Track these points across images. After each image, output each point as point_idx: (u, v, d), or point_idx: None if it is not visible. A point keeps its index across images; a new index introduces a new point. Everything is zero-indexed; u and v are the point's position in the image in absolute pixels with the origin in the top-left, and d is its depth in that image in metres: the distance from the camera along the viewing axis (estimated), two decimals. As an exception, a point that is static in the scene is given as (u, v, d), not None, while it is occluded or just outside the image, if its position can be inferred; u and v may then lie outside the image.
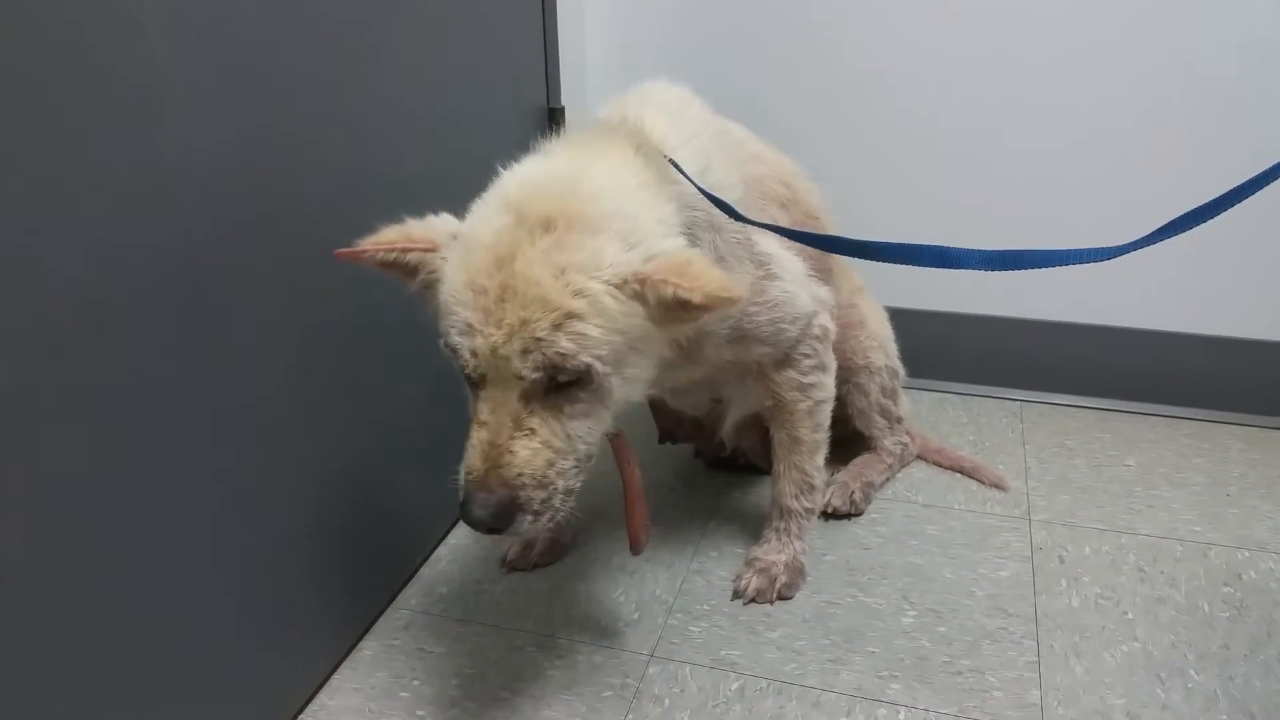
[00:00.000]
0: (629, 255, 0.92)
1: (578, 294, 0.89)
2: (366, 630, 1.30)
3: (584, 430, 0.97)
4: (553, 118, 1.69)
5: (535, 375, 0.90)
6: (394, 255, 0.98)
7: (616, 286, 0.91)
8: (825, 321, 1.29)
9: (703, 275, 0.90)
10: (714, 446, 1.60)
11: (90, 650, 0.85)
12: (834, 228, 1.39)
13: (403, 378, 1.30)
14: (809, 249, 1.28)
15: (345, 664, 1.24)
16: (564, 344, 0.89)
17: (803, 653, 1.25)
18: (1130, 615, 1.31)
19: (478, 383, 0.95)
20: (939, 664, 1.23)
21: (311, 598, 1.17)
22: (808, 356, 1.27)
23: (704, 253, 1.10)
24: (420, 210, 1.01)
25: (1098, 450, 1.71)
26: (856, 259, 1.05)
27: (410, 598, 1.36)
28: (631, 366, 0.97)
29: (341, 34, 1.10)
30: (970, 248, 0.96)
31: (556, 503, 0.96)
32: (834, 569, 1.41)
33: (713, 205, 1.09)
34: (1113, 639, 1.27)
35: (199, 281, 0.93)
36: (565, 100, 1.72)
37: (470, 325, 0.91)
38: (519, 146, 1.08)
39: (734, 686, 1.20)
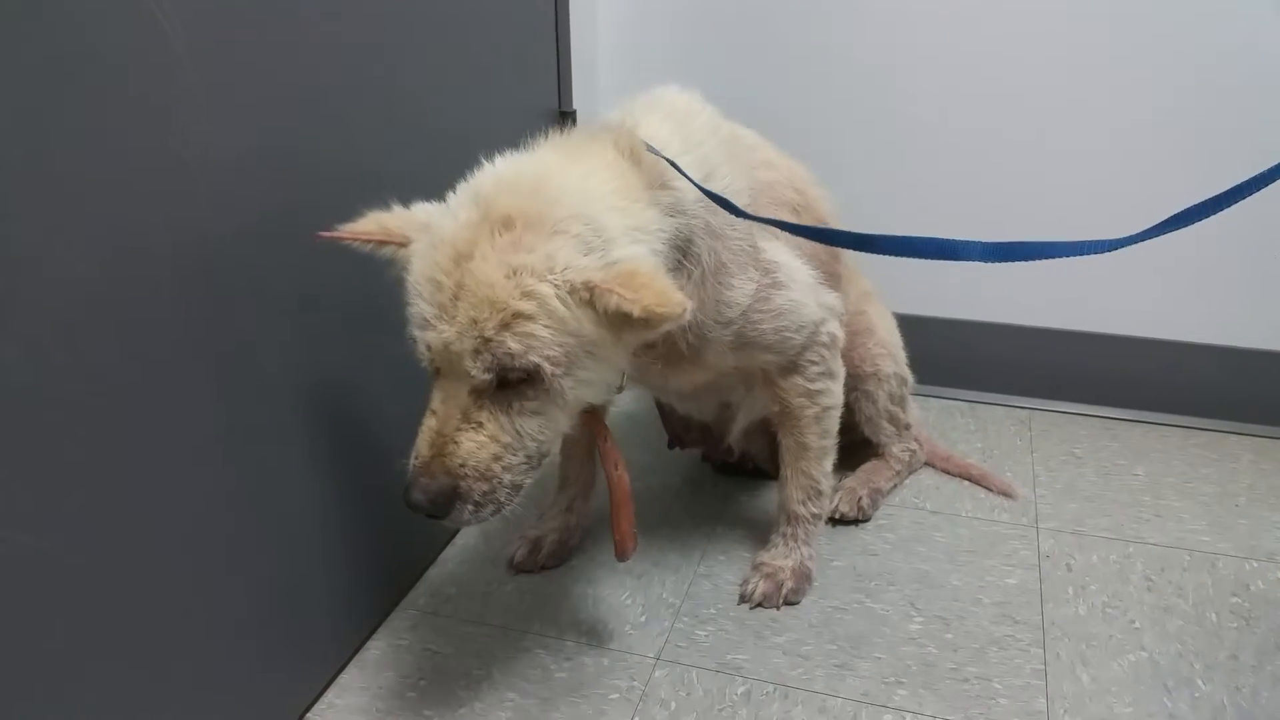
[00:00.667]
0: (584, 260, 0.93)
1: (527, 295, 0.90)
2: (374, 630, 1.30)
3: (534, 428, 0.98)
4: (564, 120, 1.69)
5: (485, 377, 0.92)
6: (370, 246, 1.01)
7: (567, 291, 0.91)
8: (833, 329, 1.29)
9: (647, 287, 0.90)
10: (722, 451, 1.60)
11: (97, 647, 0.85)
12: (844, 234, 1.39)
13: (412, 377, 1.30)
14: (819, 255, 1.28)
15: (353, 663, 1.25)
16: (511, 344, 0.90)
17: (809, 658, 1.25)
18: (1138, 624, 1.31)
19: (433, 373, 0.97)
20: (945, 671, 1.23)
21: (319, 598, 1.17)
22: (815, 364, 1.27)
23: (703, 260, 1.10)
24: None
25: (1106, 459, 1.71)
26: (861, 257, 1.05)
27: (418, 598, 1.37)
28: (585, 370, 0.97)
29: (357, 37, 1.11)
30: (970, 240, 0.97)
31: (501, 496, 0.98)
32: (841, 575, 1.41)
33: (713, 213, 1.09)
34: (1120, 648, 1.27)
35: (216, 280, 0.93)
36: (577, 103, 1.73)
37: (426, 319, 0.93)
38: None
39: (740, 690, 1.20)
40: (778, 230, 1.20)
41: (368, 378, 1.21)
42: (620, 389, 1.14)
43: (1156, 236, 0.96)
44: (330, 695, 1.20)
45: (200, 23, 0.87)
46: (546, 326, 0.91)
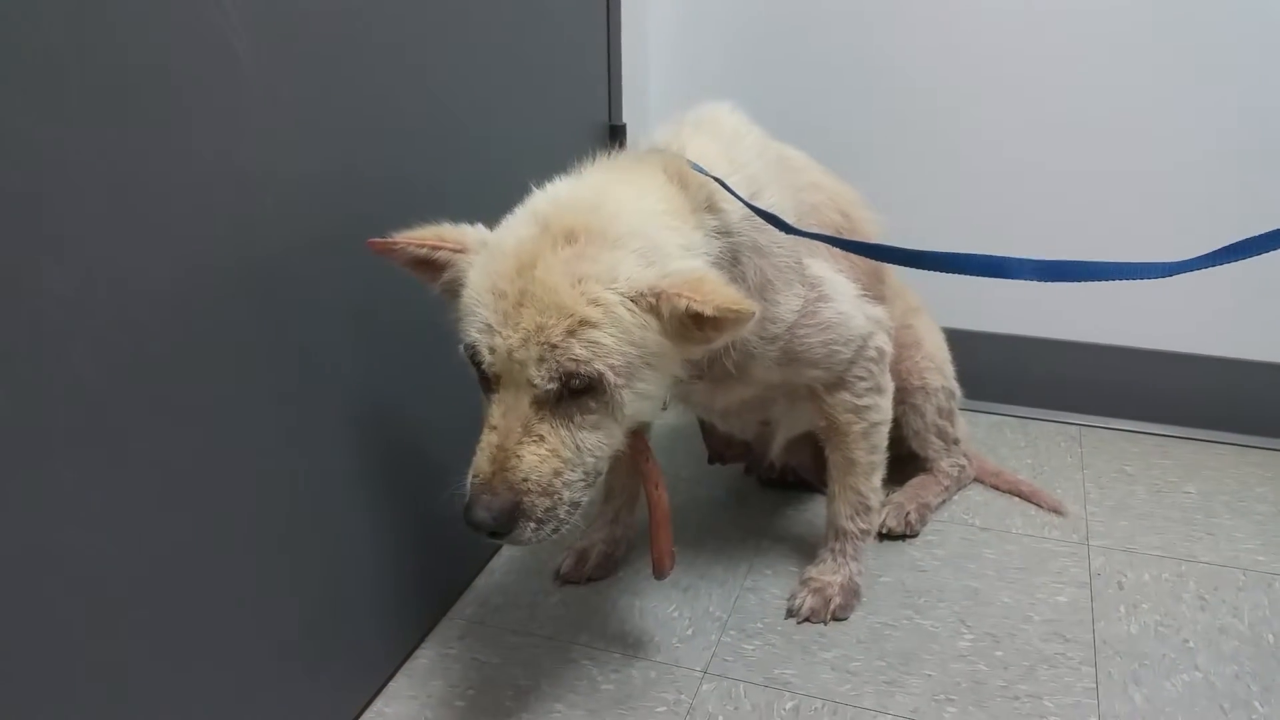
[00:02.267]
0: (646, 271, 0.94)
1: (593, 302, 0.91)
2: (423, 639, 1.31)
3: (593, 442, 0.97)
4: (614, 135, 1.70)
5: (549, 386, 0.92)
6: (425, 251, 1.01)
7: (631, 299, 0.92)
8: (881, 343, 1.28)
9: (716, 291, 0.91)
10: (764, 467, 1.60)
11: (150, 654, 0.87)
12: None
13: (461, 389, 1.31)
14: (861, 278, 1.28)
15: (401, 672, 1.26)
16: (577, 350, 0.91)
17: (858, 674, 1.25)
18: (1191, 644, 1.29)
19: (492, 385, 0.96)
20: (995, 688, 1.22)
21: (369, 606, 1.18)
22: (863, 379, 1.27)
23: (749, 277, 1.11)
24: (487, 224, 1.03)
25: (1158, 476, 1.69)
26: (910, 272, 1.05)
27: (465, 607, 1.37)
28: (644, 381, 0.97)
29: (414, 56, 1.12)
30: (1022, 258, 0.96)
31: (561, 514, 0.97)
32: (889, 590, 1.40)
33: (760, 231, 1.10)
34: (1173, 668, 1.25)
35: (277, 292, 0.95)
36: (626, 118, 1.74)
37: (489, 325, 0.94)
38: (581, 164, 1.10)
39: (789, 706, 1.20)
40: (822, 249, 1.21)
41: (419, 392, 1.22)
42: (665, 407, 1.14)
43: (1214, 265, 0.94)
44: (379, 703, 1.21)
45: (268, 45, 0.89)
46: (611, 334, 0.92)
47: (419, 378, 1.21)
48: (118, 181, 0.76)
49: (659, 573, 1.19)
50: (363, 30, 1.03)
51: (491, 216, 1.03)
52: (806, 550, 1.48)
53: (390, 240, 1.01)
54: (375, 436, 1.15)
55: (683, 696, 1.21)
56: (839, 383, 1.27)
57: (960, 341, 1.61)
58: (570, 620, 1.35)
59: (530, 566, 1.46)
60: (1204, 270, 0.99)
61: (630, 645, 1.30)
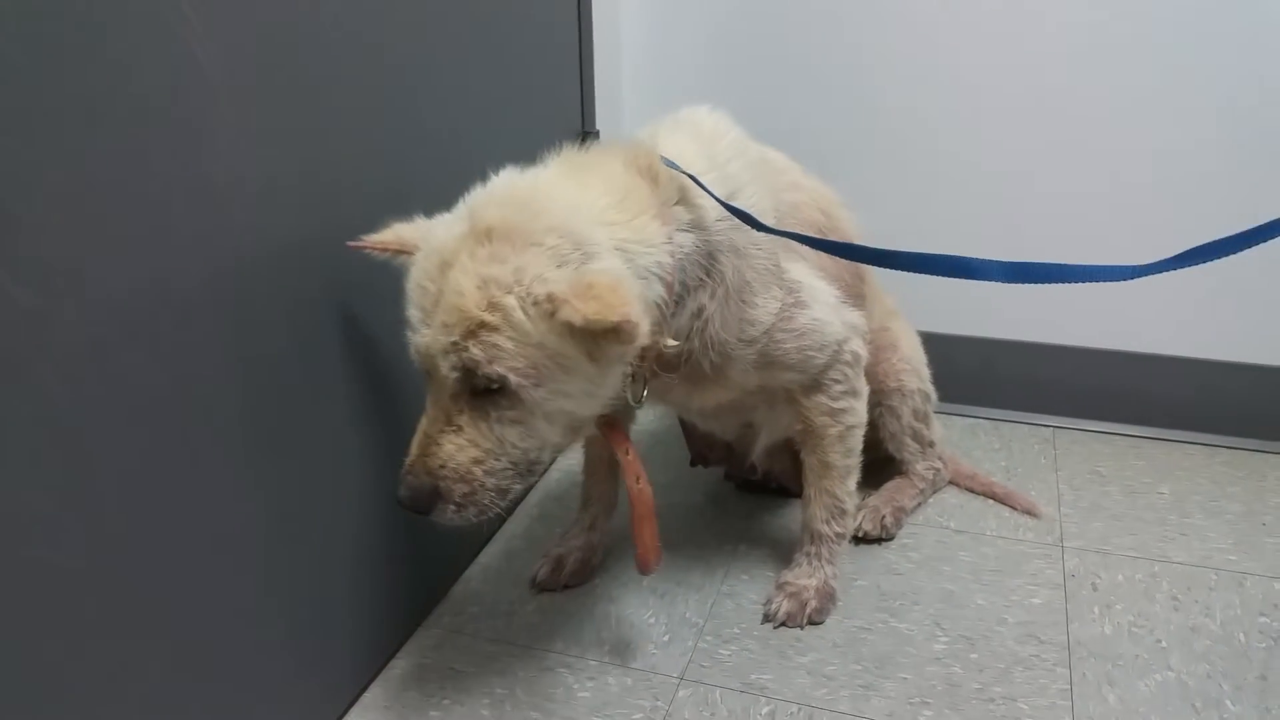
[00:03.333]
0: (556, 273, 0.94)
1: (492, 306, 0.92)
2: (398, 648, 1.31)
3: (515, 436, 1.00)
4: (587, 140, 1.70)
5: (454, 375, 0.95)
6: (387, 255, 1.05)
7: (531, 303, 0.93)
8: (856, 347, 1.29)
9: (597, 298, 0.91)
10: (746, 470, 1.60)
11: (122, 668, 0.86)
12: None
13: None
14: (843, 276, 1.29)
15: (377, 682, 1.25)
16: (475, 352, 0.93)
17: (834, 678, 1.25)
18: (1164, 644, 1.30)
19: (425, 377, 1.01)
20: (971, 691, 1.22)
21: (344, 616, 1.18)
22: (838, 382, 1.28)
23: (727, 277, 1.11)
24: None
25: (1131, 477, 1.70)
26: (885, 274, 1.05)
27: (442, 617, 1.37)
28: (559, 383, 0.98)
29: (382, 59, 1.12)
30: (990, 259, 0.97)
31: (484, 499, 1.00)
32: (865, 594, 1.41)
33: (738, 231, 1.11)
34: (1146, 668, 1.26)
35: (247, 301, 0.94)
36: (600, 124, 1.74)
37: (413, 323, 0.98)
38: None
39: (765, 710, 1.20)
40: (801, 251, 1.21)
41: (395, 400, 1.21)
42: (638, 403, 1.14)
43: (1181, 267, 0.96)
44: (354, 714, 1.20)
45: (234, 53, 0.88)
46: (510, 338, 0.93)
47: (394, 385, 1.21)
48: (79, 192, 0.75)
49: (643, 568, 1.19)
50: (332, 37, 1.03)
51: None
52: (783, 555, 1.48)
53: (361, 243, 1.04)
54: (350, 445, 1.14)
55: (659, 703, 1.21)
56: (815, 386, 1.27)
57: (934, 344, 1.62)
58: (546, 628, 1.35)
59: (507, 575, 1.46)
60: (1174, 273, 1.00)
61: (607, 652, 1.30)
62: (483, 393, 0.96)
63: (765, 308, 1.16)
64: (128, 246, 0.80)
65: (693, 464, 1.67)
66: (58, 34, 0.72)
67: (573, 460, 1.74)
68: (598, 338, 0.93)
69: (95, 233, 0.77)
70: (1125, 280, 0.95)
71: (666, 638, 1.32)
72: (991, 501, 1.63)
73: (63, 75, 0.73)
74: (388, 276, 1.13)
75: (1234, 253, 0.94)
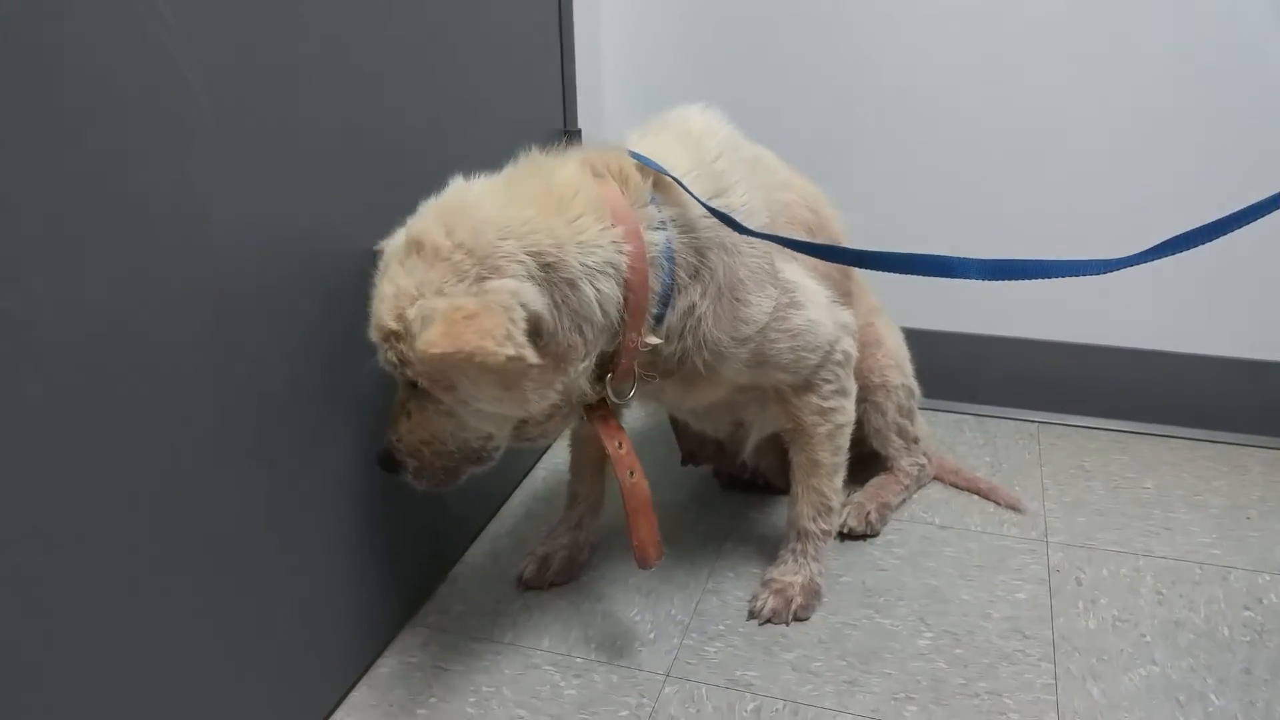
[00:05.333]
0: (454, 288, 0.97)
1: (399, 317, 0.98)
2: (384, 648, 1.30)
3: (450, 428, 1.07)
4: (569, 140, 1.70)
5: (390, 370, 1.03)
6: None
7: (421, 318, 0.96)
8: (847, 347, 1.29)
9: (447, 322, 0.94)
10: (736, 468, 1.60)
11: (107, 669, 0.86)
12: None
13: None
14: (832, 274, 1.29)
15: (363, 681, 1.25)
16: (390, 356, 1.01)
17: (819, 674, 1.25)
18: (1148, 638, 1.30)
19: None
20: (955, 686, 1.23)
21: (330, 616, 1.17)
22: (829, 382, 1.28)
23: (718, 275, 1.11)
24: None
25: (1115, 472, 1.71)
26: (867, 271, 1.06)
27: (428, 615, 1.37)
28: (470, 392, 1.02)
29: (364, 65, 1.12)
30: (969, 257, 0.98)
31: (436, 476, 1.11)
32: (850, 590, 1.41)
33: (728, 230, 1.11)
34: (1131, 662, 1.26)
35: (230, 308, 0.95)
36: (582, 122, 1.74)
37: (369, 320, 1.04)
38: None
39: (750, 707, 1.20)
40: (794, 251, 1.22)
41: (380, 401, 1.21)
42: (622, 401, 1.16)
43: (1153, 260, 0.97)
44: (341, 713, 1.20)
45: (214, 58, 0.88)
46: (412, 349, 0.97)
47: (380, 389, 1.21)
48: (62, 198, 0.75)
49: (641, 562, 1.20)
50: (313, 39, 1.02)
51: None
52: (768, 552, 1.48)
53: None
54: (335, 446, 1.14)
55: (645, 700, 1.21)
56: (806, 385, 1.27)
57: (918, 340, 1.62)
58: (532, 626, 1.35)
59: (492, 573, 1.46)
60: (1156, 268, 1.02)
61: (593, 650, 1.30)
62: (420, 392, 1.04)
63: (760, 306, 1.16)
64: (111, 252, 0.80)
65: (684, 463, 1.67)
66: (37, 42, 0.71)
67: (559, 459, 1.74)
68: (460, 363, 0.96)
69: (78, 239, 0.77)
70: (1102, 274, 0.97)
71: (652, 635, 1.33)
72: (976, 497, 1.64)
73: (41, 83, 0.72)
74: (370, 277, 1.13)
75: (1205, 242, 0.96)
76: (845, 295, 1.33)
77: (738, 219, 1.10)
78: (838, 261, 1.10)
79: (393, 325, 0.99)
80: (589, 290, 1.03)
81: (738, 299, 1.14)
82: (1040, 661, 1.26)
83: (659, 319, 1.12)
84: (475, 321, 0.93)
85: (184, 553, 0.93)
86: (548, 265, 1.01)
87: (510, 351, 0.93)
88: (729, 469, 1.64)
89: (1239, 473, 1.70)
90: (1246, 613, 1.35)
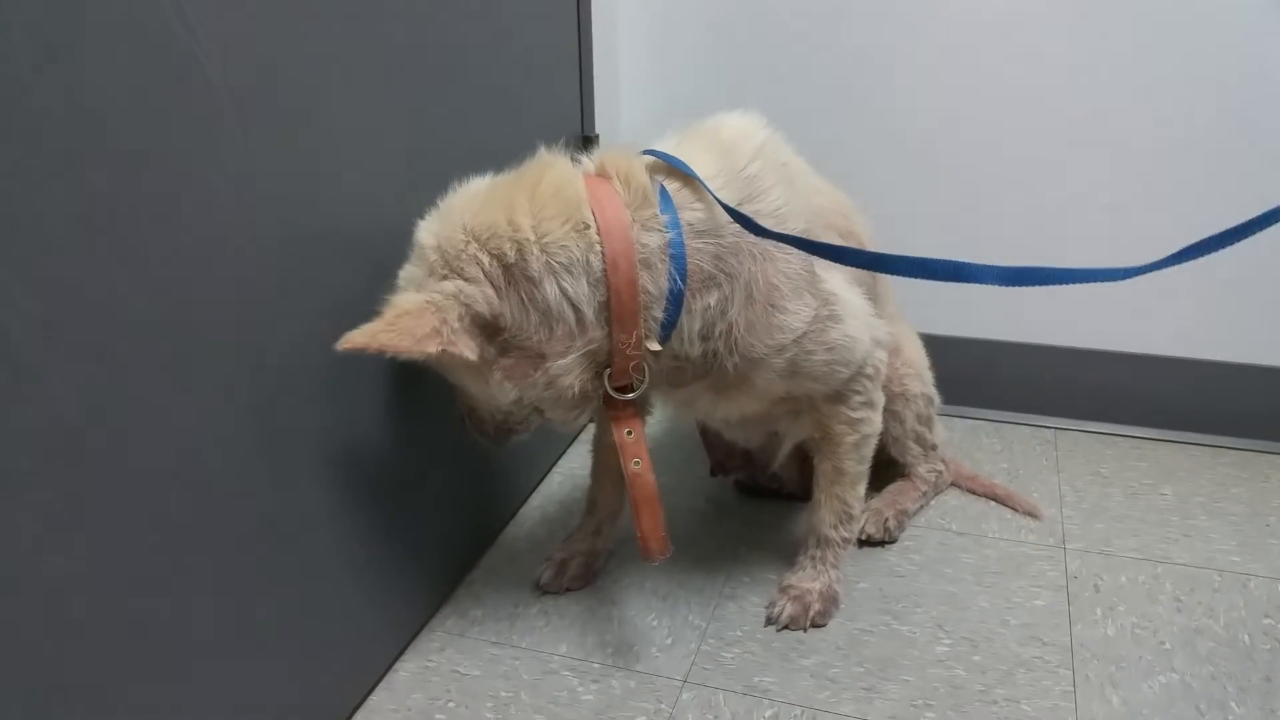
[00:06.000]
0: (422, 284, 1.05)
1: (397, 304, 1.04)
2: (402, 652, 1.31)
3: (472, 402, 1.19)
4: (587, 145, 1.71)
5: None
6: None
7: None
8: (879, 360, 1.29)
9: (383, 320, 1.01)
10: (767, 479, 1.60)
11: (126, 671, 0.86)
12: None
13: (439, 403, 1.31)
14: (863, 276, 1.29)
15: (381, 685, 1.25)
16: None
17: (837, 680, 1.25)
18: (1168, 646, 1.30)
19: None
20: (974, 693, 1.22)
21: (348, 620, 1.18)
22: (858, 394, 1.28)
23: (740, 279, 1.11)
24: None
25: (1133, 479, 1.70)
26: (886, 276, 1.06)
27: (445, 620, 1.37)
28: (453, 376, 1.14)
29: (383, 69, 1.12)
30: (984, 264, 0.98)
31: (486, 434, 1.23)
32: (867, 597, 1.41)
33: (765, 238, 1.11)
34: (1150, 670, 1.26)
35: (251, 309, 0.95)
36: (600, 128, 1.74)
37: None
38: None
39: (768, 714, 1.20)
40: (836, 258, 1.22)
41: (398, 405, 1.22)
42: (626, 398, 1.16)
43: (1170, 266, 0.97)
44: (359, 717, 1.20)
45: (236, 59, 0.88)
46: None
47: (399, 390, 1.21)
48: (84, 199, 0.76)
49: (644, 555, 1.20)
50: (332, 41, 1.03)
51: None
52: (785, 558, 1.48)
53: None
54: (353, 449, 1.14)
55: (663, 706, 1.21)
56: (836, 396, 1.27)
57: (936, 346, 1.62)
58: (550, 631, 1.35)
59: (510, 578, 1.46)
60: (1174, 274, 1.01)
61: (610, 655, 1.30)
62: None
63: (798, 314, 1.16)
64: (132, 253, 0.81)
65: (713, 473, 1.68)
66: (61, 43, 0.72)
67: (575, 464, 1.74)
68: (411, 355, 1.01)
69: (100, 240, 0.77)
70: (1119, 281, 0.96)
71: (669, 641, 1.33)
72: (993, 503, 1.63)
73: (66, 83, 0.73)
74: (391, 277, 1.14)
75: (1223, 247, 0.96)
76: (871, 297, 1.33)
77: (770, 223, 1.10)
78: (853, 265, 1.10)
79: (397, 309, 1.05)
80: (552, 289, 1.05)
81: (773, 305, 1.14)
82: (1059, 668, 1.26)
83: (666, 324, 1.11)
84: (402, 320, 1.00)
85: (201, 556, 0.93)
86: (508, 266, 1.04)
87: (432, 349, 1.00)
88: (760, 477, 1.64)
89: (1258, 479, 1.69)
90: (1267, 620, 1.34)
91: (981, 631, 1.33)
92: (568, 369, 1.08)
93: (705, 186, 1.10)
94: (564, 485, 1.71)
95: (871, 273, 1.34)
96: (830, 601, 1.36)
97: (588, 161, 1.14)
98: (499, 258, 1.04)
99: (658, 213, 1.08)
